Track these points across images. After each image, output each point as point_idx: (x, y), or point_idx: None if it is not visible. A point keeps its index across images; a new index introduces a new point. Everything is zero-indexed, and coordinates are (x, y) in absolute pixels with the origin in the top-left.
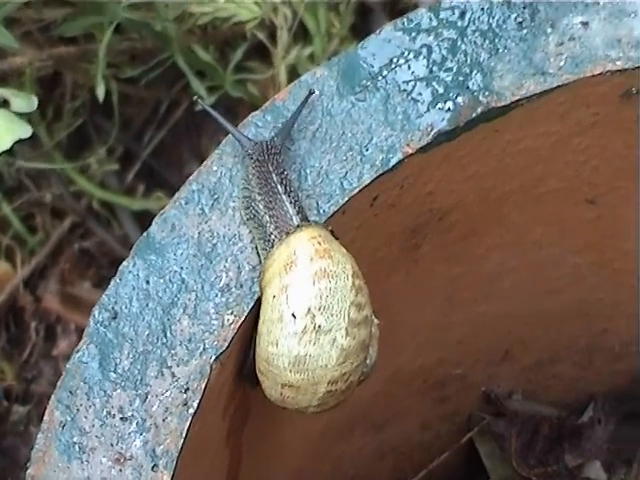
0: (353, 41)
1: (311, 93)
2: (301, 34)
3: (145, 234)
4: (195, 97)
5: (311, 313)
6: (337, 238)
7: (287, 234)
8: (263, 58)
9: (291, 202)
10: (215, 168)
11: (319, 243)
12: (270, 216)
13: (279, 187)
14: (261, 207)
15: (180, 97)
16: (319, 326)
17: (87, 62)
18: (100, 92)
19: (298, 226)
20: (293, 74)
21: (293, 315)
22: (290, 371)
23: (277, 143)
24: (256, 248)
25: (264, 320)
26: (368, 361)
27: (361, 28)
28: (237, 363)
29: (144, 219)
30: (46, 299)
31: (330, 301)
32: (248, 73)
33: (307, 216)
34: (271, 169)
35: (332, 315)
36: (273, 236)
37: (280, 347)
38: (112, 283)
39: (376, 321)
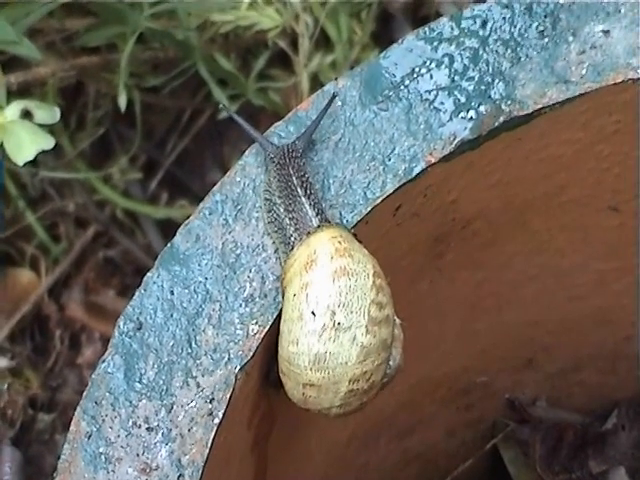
0: (375, 48)
1: (334, 96)
2: (323, 42)
3: (169, 245)
4: (220, 105)
5: (330, 310)
6: (360, 242)
7: (308, 234)
8: (285, 66)
9: (311, 204)
10: (238, 179)
11: (339, 242)
12: (290, 218)
13: (299, 190)
14: (281, 210)
15: (202, 106)
16: (339, 323)
17: (109, 72)
18: (122, 101)
19: (319, 226)
20: (315, 82)
21: (313, 313)
22: (311, 369)
23: (298, 147)
24: (277, 254)
25: (285, 320)
26: (391, 362)
27: (383, 35)
28: (262, 372)
29: (167, 228)
30: (70, 308)
31: (350, 298)
32: (270, 81)
33: (327, 218)
34: (291, 172)
35: (352, 312)
36: (293, 238)
37: (300, 346)
38: (137, 294)
39: (398, 321)
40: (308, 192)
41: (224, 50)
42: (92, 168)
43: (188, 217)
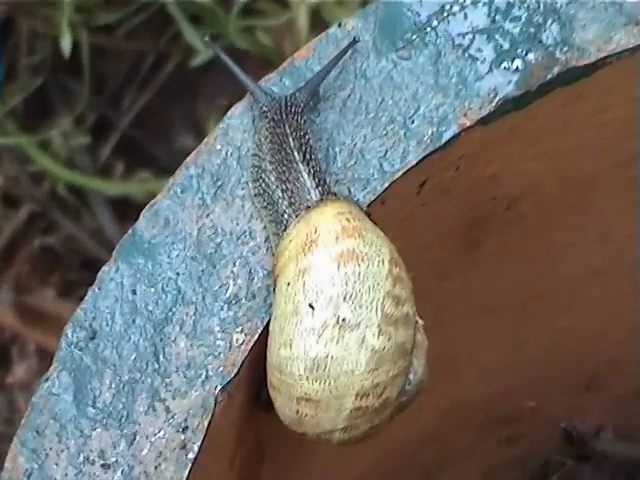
0: None
1: (355, 42)
2: None
3: (130, 231)
4: (205, 38)
5: (334, 303)
6: (375, 223)
7: (307, 209)
8: None
9: (310, 172)
10: (219, 147)
11: (347, 220)
12: (283, 190)
13: (296, 154)
14: (272, 179)
15: (169, 50)
16: (344, 320)
17: (49, 6)
18: (66, 44)
19: (321, 200)
20: (316, 19)
21: (311, 306)
22: (307, 379)
23: (299, 100)
24: (268, 239)
25: (276, 317)
26: (411, 376)
27: None
28: (249, 393)
29: (124, 207)
30: None
31: (359, 288)
32: (258, 18)
33: (332, 190)
34: (288, 131)
35: (361, 307)
36: (286, 215)
37: (295, 348)
38: (89, 293)
39: (421, 323)
40: (308, 157)
41: None
42: (26, 131)
43: (151, 194)
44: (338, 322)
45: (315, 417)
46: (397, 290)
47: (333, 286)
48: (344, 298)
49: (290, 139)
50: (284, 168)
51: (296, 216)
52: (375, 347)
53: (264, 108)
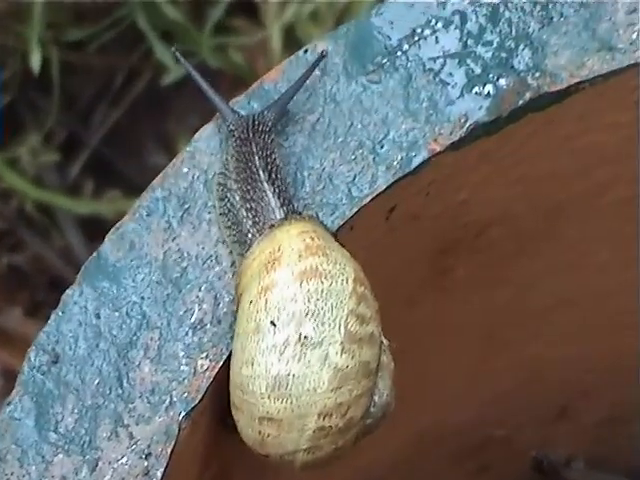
0: None
1: (323, 56)
2: None
3: (95, 254)
4: (173, 49)
5: (296, 320)
6: (342, 245)
7: (271, 227)
8: (250, 16)
9: (274, 192)
10: (185, 170)
11: (312, 239)
12: (247, 209)
13: (261, 174)
14: (237, 198)
15: (141, 67)
16: (305, 337)
17: (19, 21)
18: (35, 60)
19: (285, 218)
20: (289, 38)
21: (272, 323)
22: (269, 397)
23: (267, 119)
24: (234, 262)
25: (238, 334)
26: (376, 397)
27: None
28: (214, 419)
29: (92, 227)
30: None
31: (321, 306)
32: (231, 35)
33: (295, 209)
34: (254, 150)
35: (323, 324)
36: (250, 235)
37: (256, 366)
38: (52, 317)
39: (386, 343)
40: (273, 177)
41: None
42: None
43: (121, 213)
44: (300, 339)
45: (278, 437)
46: (361, 309)
47: (295, 303)
48: (306, 315)
49: (256, 157)
50: (249, 187)
51: (260, 235)
52: (338, 365)
53: (231, 127)
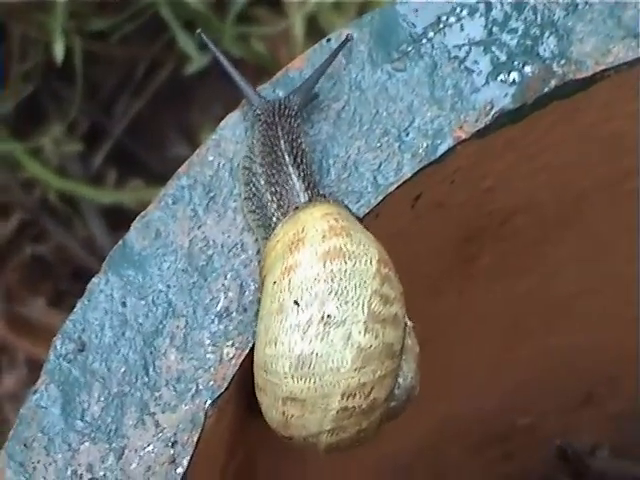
0: None
1: (347, 40)
2: None
3: (121, 243)
4: (198, 31)
5: (319, 299)
6: (367, 229)
7: (295, 209)
8: (273, 6)
9: (299, 175)
10: (211, 158)
11: (335, 220)
12: (272, 193)
13: (286, 157)
14: (262, 182)
15: (163, 57)
16: (329, 316)
17: (42, 11)
18: (59, 50)
19: (309, 201)
20: (312, 27)
21: (296, 302)
22: (292, 377)
23: (293, 103)
24: (260, 250)
25: (262, 317)
26: (401, 380)
27: None
28: (240, 407)
29: (116, 216)
30: None
31: (344, 285)
32: (253, 25)
33: (321, 192)
34: (280, 134)
35: (346, 303)
36: (275, 218)
37: (279, 346)
38: (78, 305)
39: (411, 324)
40: (298, 161)
41: None
42: (17, 137)
43: (143, 203)
44: (323, 318)
45: (301, 418)
46: (385, 289)
47: (318, 283)
48: (329, 294)
49: (281, 141)
50: (274, 171)
51: (284, 218)
52: (361, 344)
53: (257, 111)
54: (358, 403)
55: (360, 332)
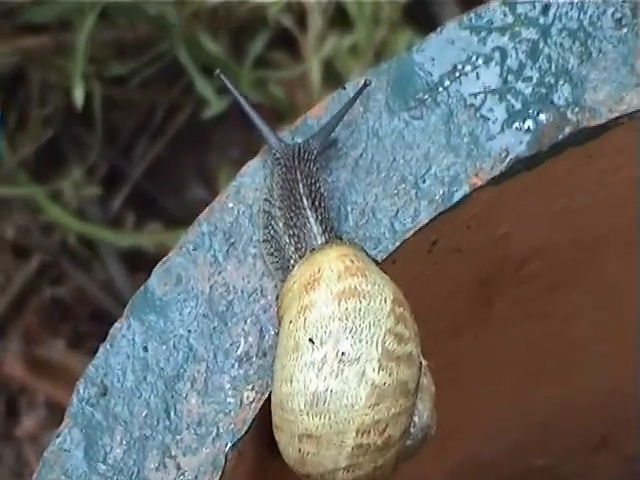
0: (406, 29)
1: (365, 86)
2: (339, 19)
3: (142, 288)
4: (217, 71)
5: (334, 337)
6: (385, 272)
7: (312, 251)
8: (290, 50)
9: (317, 219)
10: (231, 205)
11: (351, 261)
12: (290, 235)
13: (305, 201)
14: (280, 225)
15: (181, 101)
16: (343, 353)
17: (62, 56)
18: (78, 95)
19: (326, 242)
20: (329, 71)
21: (311, 340)
22: (308, 414)
23: (312, 147)
24: (277, 291)
25: (278, 355)
26: (416, 419)
27: (417, 11)
28: (258, 451)
29: (134, 259)
30: (7, 363)
31: (359, 323)
32: (270, 70)
33: (338, 235)
34: (299, 177)
35: (360, 341)
36: (292, 261)
37: (295, 384)
38: (101, 350)
39: (425, 363)
40: (317, 204)
41: (211, 29)
42: (37, 181)
43: (162, 246)
44: (337, 356)
45: (317, 455)
46: (399, 328)
47: (333, 321)
48: (344, 332)
49: (300, 185)
50: (292, 214)
51: (301, 259)
52: (375, 382)
53: (277, 155)
54: (373, 440)
55: (374, 370)
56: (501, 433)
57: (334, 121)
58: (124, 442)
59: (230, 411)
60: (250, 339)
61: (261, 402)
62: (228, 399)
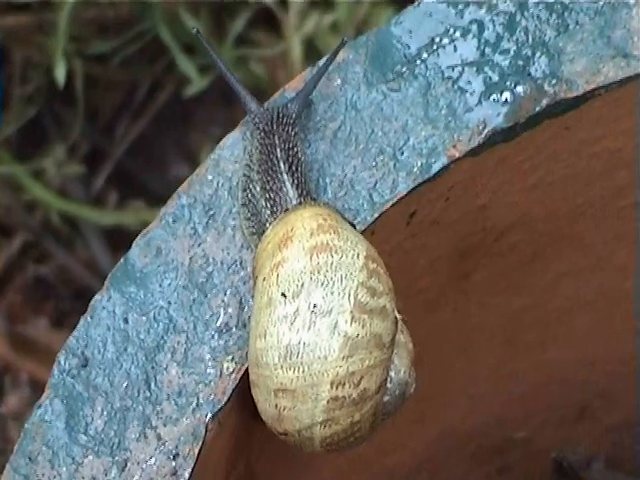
0: (388, 5)
1: (343, 44)
2: None
3: (123, 260)
4: (194, 29)
5: (305, 290)
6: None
7: (286, 212)
8: (271, 28)
9: (293, 182)
10: (210, 177)
11: (324, 220)
12: (266, 199)
13: (282, 165)
14: (258, 189)
15: (163, 79)
16: (315, 305)
17: (43, 35)
18: (60, 73)
19: (299, 203)
20: (310, 49)
21: (283, 294)
22: (282, 367)
23: (290, 111)
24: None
25: (253, 313)
26: (392, 373)
27: None
28: (239, 420)
29: (117, 237)
30: None
31: (330, 276)
32: (251, 48)
33: (313, 196)
34: (277, 142)
35: (332, 293)
36: (268, 224)
37: (268, 338)
38: (81, 322)
39: (400, 317)
40: (293, 168)
41: (192, 7)
42: (19, 160)
43: (144, 224)
44: (309, 308)
45: (293, 410)
46: (372, 282)
47: (305, 275)
48: (316, 285)
49: (277, 150)
50: (269, 178)
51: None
52: (348, 333)
53: (256, 119)
54: (348, 393)
55: (347, 321)
56: (480, 405)
57: (311, 83)
58: (105, 413)
59: (210, 382)
60: (230, 310)
61: (241, 373)
62: (208, 370)
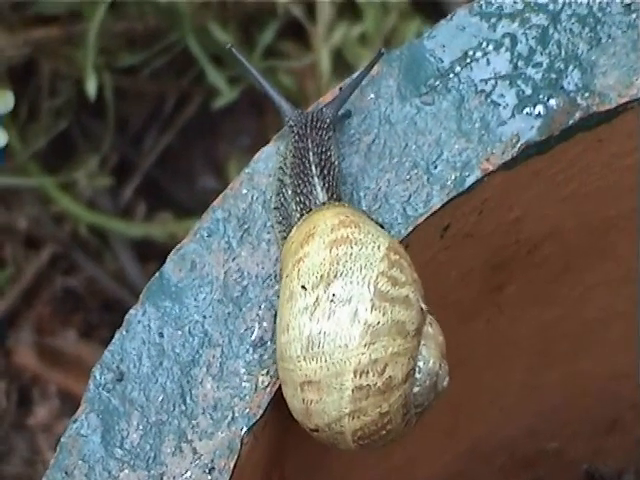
0: (415, 16)
1: (381, 55)
2: (348, 8)
3: (158, 274)
4: (228, 45)
5: (324, 281)
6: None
7: (309, 212)
8: (299, 40)
9: (323, 186)
10: (245, 191)
11: (346, 216)
12: (297, 203)
13: (313, 169)
14: (289, 192)
15: (191, 91)
16: (334, 295)
17: (72, 47)
18: (90, 86)
19: (323, 203)
20: (338, 60)
21: (303, 287)
22: (305, 359)
23: (325, 116)
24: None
25: (277, 309)
26: (421, 363)
27: None
28: (274, 434)
29: (145, 249)
30: (19, 353)
31: (350, 266)
32: (280, 59)
33: (340, 197)
34: (310, 146)
35: (352, 283)
36: (296, 227)
37: (291, 331)
38: (117, 336)
39: (425, 307)
40: (325, 172)
41: (220, 19)
42: (48, 172)
43: (172, 235)
44: (329, 298)
45: (320, 402)
46: (394, 272)
47: (324, 266)
48: (335, 276)
49: (310, 154)
50: (300, 181)
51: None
52: (368, 321)
53: (291, 122)
54: (373, 381)
55: (367, 309)
56: (512, 417)
57: (348, 91)
58: (141, 427)
59: (245, 395)
60: (264, 324)
61: (276, 386)
62: (243, 383)
